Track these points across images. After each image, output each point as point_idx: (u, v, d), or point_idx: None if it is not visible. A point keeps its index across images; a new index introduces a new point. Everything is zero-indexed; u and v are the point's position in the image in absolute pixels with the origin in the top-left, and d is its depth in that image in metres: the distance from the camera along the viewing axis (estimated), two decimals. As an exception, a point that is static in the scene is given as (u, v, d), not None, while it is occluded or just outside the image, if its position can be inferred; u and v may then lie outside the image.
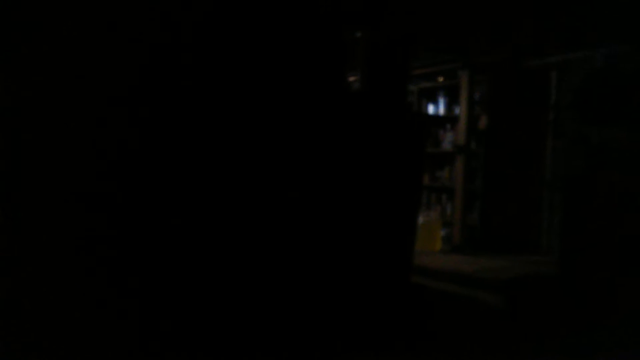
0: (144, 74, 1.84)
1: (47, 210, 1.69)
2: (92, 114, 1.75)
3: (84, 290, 1.74)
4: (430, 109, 6.32)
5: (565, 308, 3.19)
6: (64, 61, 1.71)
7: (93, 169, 1.76)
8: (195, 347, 1.89)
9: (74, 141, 1.72)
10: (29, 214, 1.68)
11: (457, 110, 5.82)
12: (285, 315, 2.14)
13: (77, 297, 1.72)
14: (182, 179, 1.90)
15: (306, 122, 2.24)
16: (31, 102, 1.68)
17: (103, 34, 1.77)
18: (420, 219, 5.20)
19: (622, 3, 4.02)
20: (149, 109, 1.84)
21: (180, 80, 1.91)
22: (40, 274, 1.69)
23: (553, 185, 5.45)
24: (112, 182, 1.79)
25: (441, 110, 6.22)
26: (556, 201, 5.32)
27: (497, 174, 5.52)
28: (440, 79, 6.18)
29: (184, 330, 1.88)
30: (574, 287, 3.73)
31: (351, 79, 5.33)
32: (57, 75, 1.71)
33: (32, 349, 1.64)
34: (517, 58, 5.48)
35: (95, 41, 1.76)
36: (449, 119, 6.10)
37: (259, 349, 2.00)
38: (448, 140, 6.06)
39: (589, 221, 3.93)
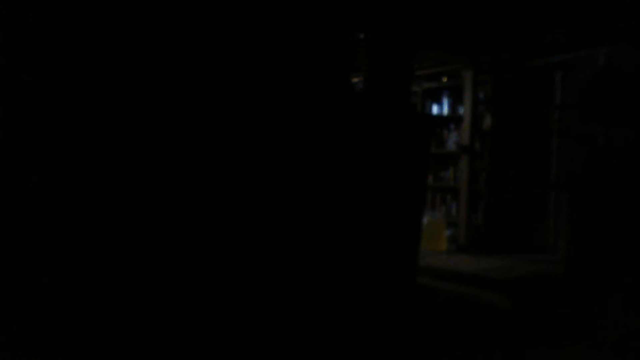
0: (144, 74, 1.86)
1: (43, 207, 1.71)
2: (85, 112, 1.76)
3: (81, 289, 1.75)
4: (434, 110, 6.33)
5: (569, 307, 3.19)
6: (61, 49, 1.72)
7: (88, 167, 1.77)
8: (196, 346, 1.90)
9: (68, 140, 1.73)
10: (27, 209, 1.69)
11: (461, 111, 5.83)
12: (287, 314, 2.16)
13: (74, 297, 1.74)
14: (188, 176, 1.92)
15: (310, 122, 2.25)
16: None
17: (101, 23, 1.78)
18: (425, 219, 5.21)
19: (625, 2, 4.02)
20: (147, 111, 1.86)
21: (184, 80, 1.93)
22: (38, 271, 1.70)
23: (558, 184, 5.45)
24: (110, 178, 1.80)
25: (445, 110, 6.23)
26: (561, 200, 5.32)
27: (502, 173, 5.52)
28: (444, 80, 6.19)
29: (185, 329, 1.89)
30: (579, 286, 3.73)
31: (355, 80, 5.35)
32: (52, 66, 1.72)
33: (31, 347, 1.66)
34: (520, 58, 5.49)
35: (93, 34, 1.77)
36: (452, 119, 6.11)
37: (261, 349, 2.01)
38: (452, 140, 6.07)
39: (594, 220, 3.94)
